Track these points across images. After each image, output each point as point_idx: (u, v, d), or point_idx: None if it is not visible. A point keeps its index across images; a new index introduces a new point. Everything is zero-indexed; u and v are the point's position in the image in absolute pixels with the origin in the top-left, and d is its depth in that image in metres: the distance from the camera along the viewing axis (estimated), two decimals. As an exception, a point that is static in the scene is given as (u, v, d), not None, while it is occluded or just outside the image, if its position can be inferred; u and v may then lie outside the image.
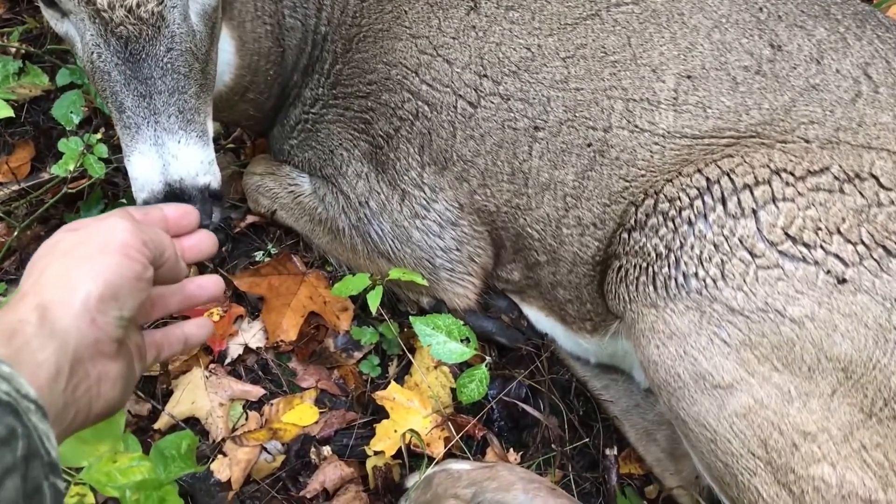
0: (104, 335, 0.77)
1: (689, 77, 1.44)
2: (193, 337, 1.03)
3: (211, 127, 1.24)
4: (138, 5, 1.10)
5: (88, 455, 1.03)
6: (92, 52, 1.14)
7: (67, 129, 1.71)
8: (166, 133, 1.12)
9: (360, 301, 1.75)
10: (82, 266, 0.78)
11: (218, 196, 1.18)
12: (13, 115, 1.73)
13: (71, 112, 1.67)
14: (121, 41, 1.11)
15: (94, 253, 0.79)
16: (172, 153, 1.12)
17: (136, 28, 1.11)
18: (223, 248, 1.83)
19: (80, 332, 0.75)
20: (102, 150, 1.62)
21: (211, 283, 1.03)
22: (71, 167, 1.57)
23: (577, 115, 1.48)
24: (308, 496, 1.53)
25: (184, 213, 0.99)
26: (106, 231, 0.81)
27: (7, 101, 1.70)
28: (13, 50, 1.98)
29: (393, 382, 1.68)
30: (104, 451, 1.02)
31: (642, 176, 1.44)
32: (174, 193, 1.12)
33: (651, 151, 1.44)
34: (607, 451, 1.64)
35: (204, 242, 1.01)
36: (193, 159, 1.14)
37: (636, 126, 1.45)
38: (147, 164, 1.11)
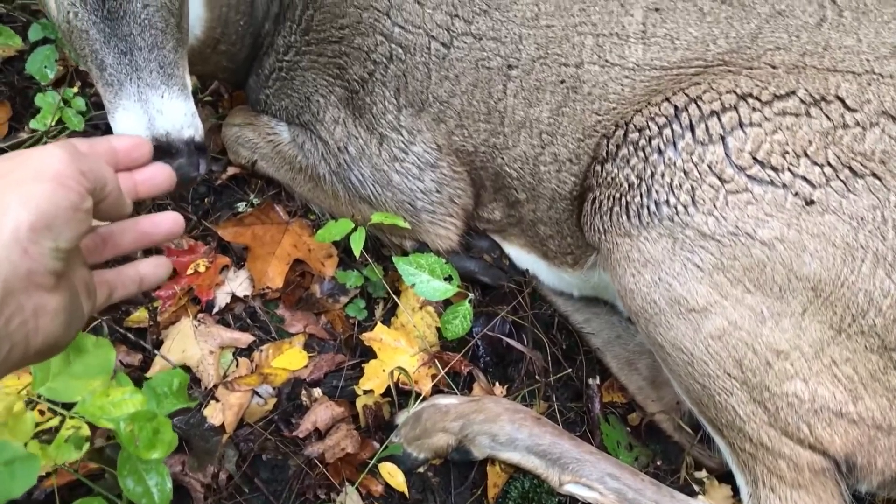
0: (38, 266, 0.73)
1: (656, 10, 1.46)
2: (149, 276, 0.97)
3: (190, 80, 1.25)
4: None
5: (81, 391, 1.06)
6: (68, 12, 1.14)
7: (43, 84, 1.70)
8: (149, 88, 1.13)
9: (343, 246, 1.77)
10: (12, 193, 0.72)
11: (203, 148, 1.19)
12: (-14, 75, 1.73)
13: (45, 66, 1.67)
14: None
15: (25, 180, 0.74)
16: (157, 108, 1.13)
17: None
18: (206, 200, 1.85)
19: (10, 262, 0.71)
20: (80, 103, 1.63)
21: (167, 220, 0.96)
22: (49, 121, 1.58)
23: (549, 52, 1.49)
24: (301, 436, 1.57)
25: (135, 144, 0.93)
26: (40, 159, 0.76)
27: (-21, 62, 1.70)
28: (-16, 11, 1.97)
29: (380, 324, 1.71)
30: (97, 386, 1.05)
31: (614, 109, 1.46)
32: (161, 147, 1.12)
33: (622, 85, 1.46)
34: (590, 382, 1.69)
35: (159, 175, 0.94)
36: (178, 112, 1.15)
37: (607, 60, 1.46)
38: (132, 120, 1.12)
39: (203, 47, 1.62)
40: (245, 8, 1.64)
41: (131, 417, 1.05)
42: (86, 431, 1.05)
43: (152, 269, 0.98)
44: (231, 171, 1.88)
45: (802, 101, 1.34)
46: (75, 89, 1.65)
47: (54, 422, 1.09)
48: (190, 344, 1.65)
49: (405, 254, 1.74)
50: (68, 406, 1.08)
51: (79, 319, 0.83)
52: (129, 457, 1.11)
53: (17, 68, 1.96)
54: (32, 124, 1.64)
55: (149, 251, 1.44)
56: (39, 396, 1.07)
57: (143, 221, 0.95)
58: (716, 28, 1.43)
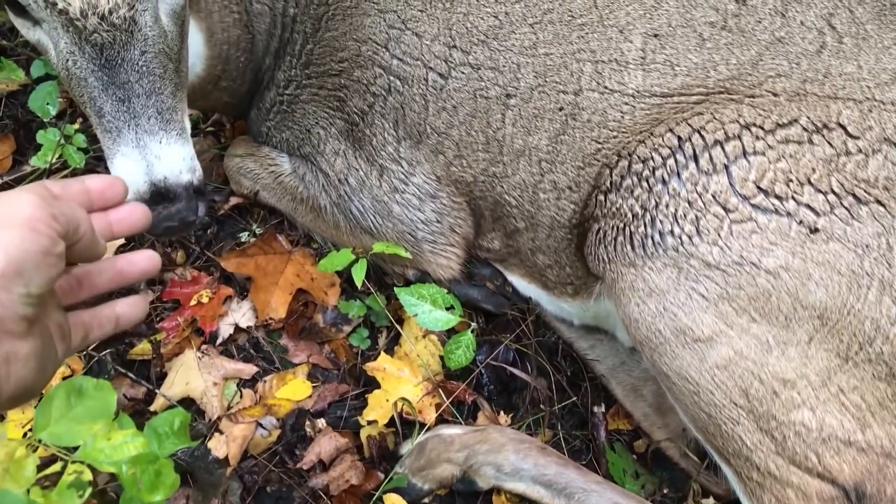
0: (10, 313, 0.72)
1: (655, 36, 1.45)
2: (126, 316, 0.95)
3: (188, 123, 1.26)
4: (111, 12, 1.10)
5: (84, 435, 1.05)
6: (67, 60, 1.14)
7: (45, 120, 1.71)
8: (147, 135, 1.14)
9: (346, 276, 1.77)
10: None
11: (201, 191, 1.20)
12: (-9, 109, 1.74)
13: (47, 103, 1.68)
14: (96, 48, 1.12)
15: None
16: (155, 154, 1.14)
17: (109, 34, 1.12)
18: (208, 231, 1.85)
19: None
20: (81, 139, 1.64)
21: (143, 259, 0.94)
22: (50, 158, 1.58)
23: (547, 79, 1.49)
24: (305, 468, 1.57)
25: (109, 184, 0.91)
26: (10, 204, 0.75)
27: (-17, 96, 1.71)
28: (-13, 45, 1.98)
29: (383, 353, 1.71)
30: (99, 430, 1.05)
31: (614, 137, 1.46)
32: (159, 192, 1.13)
33: (622, 112, 1.45)
34: (595, 409, 1.68)
35: (133, 215, 0.93)
36: (176, 158, 1.16)
37: (606, 87, 1.46)
38: (131, 166, 1.13)
39: (204, 84, 1.62)
40: (246, 45, 1.64)
41: (133, 460, 1.05)
42: (88, 476, 1.05)
43: (129, 308, 0.96)
44: (233, 201, 1.89)
45: (805, 129, 1.33)
46: (76, 126, 1.66)
47: (56, 467, 1.08)
48: (193, 375, 1.66)
49: (407, 283, 1.74)
50: (71, 449, 1.08)
51: (52, 364, 0.82)
52: (132, 498, 1.11)
53: (21, 101, 1.98)
54: (34, 161, 1.65)
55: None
56: (40, 441, 1.06)
57: (119, 261, 0.94)
58: (716, 54, 1.43)
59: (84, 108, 1.18)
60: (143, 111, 1.13)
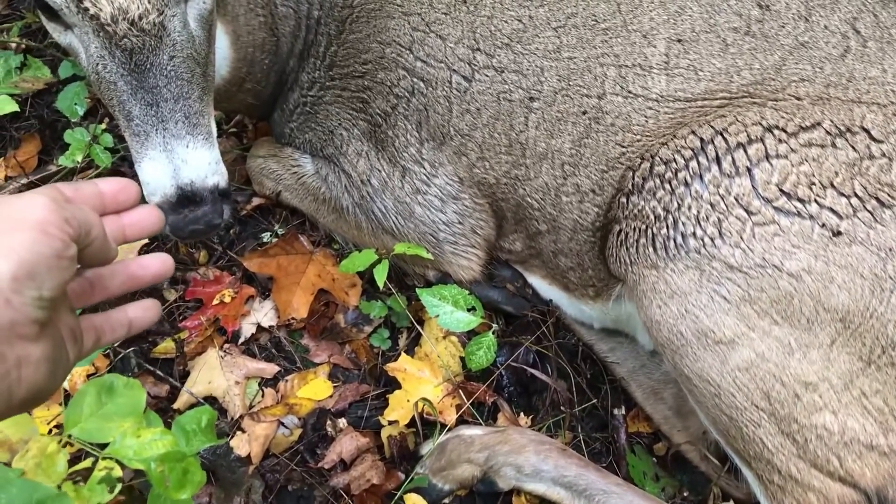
0: (21, 316, 0.71)
1: (679, 41, 1.46)
2: (139, 320, 0.95)
3: (214, 127, 1.27)
4: (140, 17, 1.12)
5: (114, 432, 1.07)
6: (97, 64, 1.16)
7: (72, 120, 1.73)
8: (174, 139, 1.16)
9: (367, 276, 1.79)
10: None
11: (227, 194, 1.21)
12: (18, 109, 1.76)
13: (75, 103, 1.70)
14: (125, 53, 1.14)
15: (7, 229, 0.72)
16: (182, 157, 1.16)
17: (139, 40, 1.13)
18: (231, 231, 1.87)
19: None
20: (108, 139, 1.66)
21: (156, 263, 0.94)
22: (78, 158, 1.61)
23: (570, 83, 1.50)
24: (326, 467, 1.58)
25: (122, 187, 0.91)
26: (22, 207, 0.74)
27: (11, 95, 1.73)
28: (13, 45, 2.01)
29: (403, 354, 1.72)
30: (128, 428, 1.07)
31: (638, 141, 1.46)
32: (186, 196, 1.15)
33: (645, 116, 1.46)
34: (615, 412, 1.69)
35: (147, 219, 0.93)
36: (202, 161, 1.17)
37: (629, 91, 1.47)
38: (158, 169, 1.15)
39: (229, 87, 1.64)
40: (270, 47, 1.66)
41: (161, 458, 1.06)
42: (118, 472, 1.07)
43: (142, 312, 0.96)
44: (256, 201, 1.90)
45: (828, 133, 1.33)
46: (104, 125, 1.67)
47: (86, 463, 1.10)
48: (216, 374, 1.67)
49: (428, 284, 1.75)
50: (100, 446, 1.09)
51: (64, 367, 0.82)
52: (160, 495, 1.12)
53: (47, 101, 2.00)
54: (61, 161, 1.67)
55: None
56: (70, 437, 1.08)
57: (132, 264, 0.94)
58: (739, 59, 1.43)
59: (113, 111, 1.20)
60: (170, 115, 1.15)
